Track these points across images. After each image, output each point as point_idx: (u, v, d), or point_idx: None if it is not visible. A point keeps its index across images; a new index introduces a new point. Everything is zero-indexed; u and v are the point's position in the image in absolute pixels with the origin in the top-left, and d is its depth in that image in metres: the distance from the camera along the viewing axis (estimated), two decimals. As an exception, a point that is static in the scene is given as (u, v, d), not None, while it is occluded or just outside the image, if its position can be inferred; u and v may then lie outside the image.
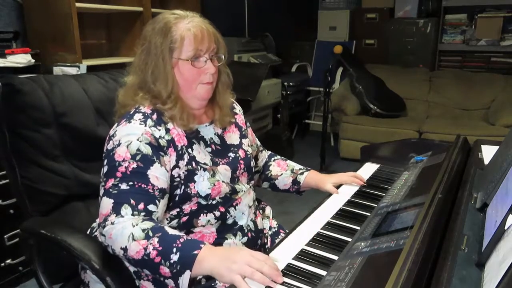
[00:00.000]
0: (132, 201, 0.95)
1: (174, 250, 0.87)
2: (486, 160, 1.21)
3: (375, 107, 4.05)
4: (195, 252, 0.86)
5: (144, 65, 1.06)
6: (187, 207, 1.07)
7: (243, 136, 1.25)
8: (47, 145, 1.20)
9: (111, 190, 0.96)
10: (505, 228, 0.69)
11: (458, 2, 4.33)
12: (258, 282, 0.81)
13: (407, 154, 1.54)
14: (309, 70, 4.93)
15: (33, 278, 1.19)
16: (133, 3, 2.78)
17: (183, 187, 1.05)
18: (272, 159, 1.42)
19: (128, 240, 0.89)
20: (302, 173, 1.35)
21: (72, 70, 2.27)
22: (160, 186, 1.00)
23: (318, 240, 1.02)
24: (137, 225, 0.91)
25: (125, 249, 0.90)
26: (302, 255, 0.94)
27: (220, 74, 1.14)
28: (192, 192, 1.05)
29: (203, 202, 1.07)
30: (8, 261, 1.96)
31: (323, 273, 0.87)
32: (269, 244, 1.26)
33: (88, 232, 1.18)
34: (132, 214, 0.94)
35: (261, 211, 1.30)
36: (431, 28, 4.45)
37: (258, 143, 1.42)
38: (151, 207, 0.97)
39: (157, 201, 0.99)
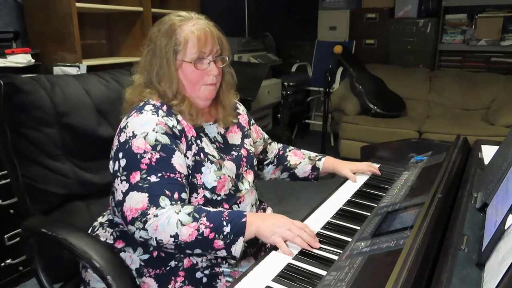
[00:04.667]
0: (167, 192, 0.98)
1: (224, 223, 0.95)
2: (486, 160, 1.21)
3: (375, 107, 4.05)
4: (243, 219, 0.97)
5: (149, 66, 1.09)
6: (194, 200, 1.08)
7: (245, 136, 1.27)
8: (48, 144, 1.20)
9: (140, 184, 0.97)
10: (505, 228, 0.69)
11: (458, 2, 4.33)
12: (298, 245, 0.95)
13: (407, 154, 1.54)
14: (309, 70, 4.93)
15: (34, 277, 1.19)
16: (133, 3, 2.78)
17: (190, 177, 1.07)
18: (288, 149, 1.47)
19: (177, 227, 0.94)
20: (320, 159, 1.42)
21: (72, 70, 2.28)
22: (185, 173, 1.04)
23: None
24: (180, 211, 0.96)
25: (175, 236, 0.94)
26: (302, 255, 0.95)
27: (224, 74, 1.17)
28: (198, 183, 1.07)
29: (209, 196, 1.09)
30: (8, 261, 1.96)
31: (323, 273, 0.87)
32: (269, 244, 1.26)
33: (90, 231, 1.18)
34: (171, 204, 0.97)
35: (262, 211, 1.31)
36: (431, 28, 4.45)
37: (266, 136, 1.45)
38: (183, 195, 1.01)
39: (186, 189, 1.03)
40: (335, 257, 0.92)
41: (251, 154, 1.25)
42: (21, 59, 2.18)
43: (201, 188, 1.08)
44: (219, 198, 1.11)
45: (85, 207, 1.29)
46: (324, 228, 1.08)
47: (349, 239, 1.00)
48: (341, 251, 0.94)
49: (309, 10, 5.07)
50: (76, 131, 1.25)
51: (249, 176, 1.21)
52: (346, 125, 4.01)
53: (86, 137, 1.27)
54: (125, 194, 0.98)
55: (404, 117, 4.14)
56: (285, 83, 4.30)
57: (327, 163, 1.41)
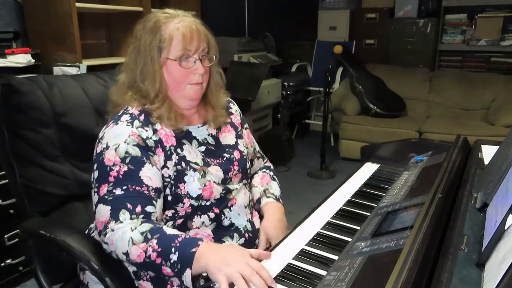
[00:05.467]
0: (129, 205, 0.95)
1: (173, 250, 0.88)
2: (486, 160, 1.21)
3: (375, 107, 4.05)
4: (193, 249, 0.88)
5: (134, 64, 1.06)
6: (181, 210, 1.06)
7: (238, 136, 1.24)
8: (46, 145, 1.20)
9: (106, 196, 0.96)
10: (505, 228, 0.69)
11: (458, 2, 4.33)
12: None
13: (407, 154, 1.54)
14: (309, 70, 4.93)
15: (33, 278, 1.19)
16: (133, 3, 2.78)
17: (173, 188, 1.04)
18: (263, 170, 1.36)
19: (129, 245, 0.91)
20: (268, 197, 1.25)
21: (72, 70, 2.28)
22: (155, 186, 1.00)
23: (318, 240, 1.02)
24: (135, 228, 0.92)
25: (127, 254, 0.91)
26: (302, 255, 0.94)
27: (212, 74, 1.14)
28: (183, 193, 1.04)
29: (195, 204, 1.06)
30: (8, 261, 1.96)
31: (323, 273, 0.87)
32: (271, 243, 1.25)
33: (86, 232, 1.18)
34: (131, 218, 0.94)
35: (259, 212, 1.29)
36: (431, 28, 4.45)
37: (257, 148, 1.37)
38: (149, 208, 0.97)
39: (154, 202, 0.99)
40: (335, 257, 0.92)
41: (244, 157, 1.20)
42: (21, 59, 2.18)
43: (186, 198, 1.05)
44: (208, 204, 1.08)
45: (84, 208, 1.29)
46: (324, 228, 1.08)
47: (349, 239, 1.00)
48: (341, 251, 0.94)
49: (309, 10, 5.06)
50: (74, 132, 1.25)
51: (237, 179, 1.17)
52: (346, 125, 4.01)
53: (85, 137, 1.27)
54: (95, 206, 0.98)
55: (404, 117, 4.14)
56: (285, 83, 4.30)
57: (267, 206, 1.23)
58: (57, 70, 2.32)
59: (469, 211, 0.90)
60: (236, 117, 1.27)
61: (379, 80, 4.33)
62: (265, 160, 1.40)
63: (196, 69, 1.05)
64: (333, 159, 4.02)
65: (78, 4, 2.31)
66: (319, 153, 3.72)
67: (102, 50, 2.92)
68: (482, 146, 1.41)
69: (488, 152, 1.29)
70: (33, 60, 2.24)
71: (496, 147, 1.17)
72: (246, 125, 1.32)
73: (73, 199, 1.26)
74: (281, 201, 1.27)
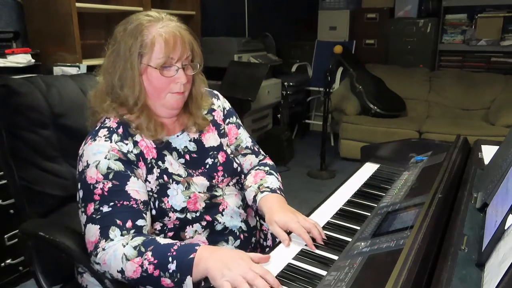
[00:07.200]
0: (118, 221, 0.92)
1: (170, 259, 0.85)
2: (486, 160, 1.21)
3: (375, 107, 4.05)
4: (191, 256, 0.85)
5: (112, 68, 1.01)
6: (169, 223, 1.04)
7: (221, 135, 1.18)
8: (45, 146, 1.19)
9: (94, 215, 0.93)
10: (505, 228, 0.69)
11: (458, 2, 4.33)
12: None
13: (407, 154, 1.54)
14: (309, 70, 4.93)
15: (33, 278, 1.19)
16: (133, 3, 2.78)
17: (156, 202, 1.02)
18: (256, 168, 1.25)
19: (123, 262, 0.88)
20: (262, 192, 1.12)
21: (72, 70, 2.27)
22: (143, 199, 0.97)
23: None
24: (127, 244, 0.89)
25: (121, 271, 0.88)
26: (302, 255, 0.94)
27: (195, 82, 1.09)
28: (167, 207, 1.01)
29: (181, 216, 1.03)
30: (8, 261, 1.96)
31: (323, 273, 0.87)
32: (270, 242, 1.25)
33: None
34: (121, 234, 0.92)
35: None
36: (431, 28, 4.45)
37: (245, 145, 1.25)
38: (139, 222, 0.95)
39: (144, 215, 0.96)
40: (335, 257, 0.92)
41: (230, 157, 1.16)
42: (21, 59, 2.18)
43: (171, 212, 1.02)
44: (198, 214, 1.05)
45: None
46: (324, 228, 1.07)
47: (349, 239, 1.00)
48: (341, 251, 0.94)
49: (309, 10, 5.07)
50: (73, 132, 1.24)
51: (225, 184, 1.13)
52: (346, 125, 4.01)
53: (83, 138, 1.26)
54: (84, 226, 0.95)
55: (404, 117, 4.14)
56: (285, 83, 4.30)
57: (264, 200, 1.10)
58: (57, 70, 2.32)
59: (469, 211, 0.90)
60: (218, 114, 1.20)
61: (379, 80, 4.33)
62: (260, 157, 1.29)
63: (178, 78, 1.00)
64: (333, 159, 4.02)
65: (78, 4, 2.32)
66: (319, 153, 3.72)
67: (102, 50, 2.91)
68: (482, 146, 1.41)
69: (488, 152, 1.29)
70: (33, 60, 2.24)
71: (496, 147, 1.16)
72: (230, 119, 1.24)
73: (72, 200, 1.25)
74: (279, 192, 1.14)
